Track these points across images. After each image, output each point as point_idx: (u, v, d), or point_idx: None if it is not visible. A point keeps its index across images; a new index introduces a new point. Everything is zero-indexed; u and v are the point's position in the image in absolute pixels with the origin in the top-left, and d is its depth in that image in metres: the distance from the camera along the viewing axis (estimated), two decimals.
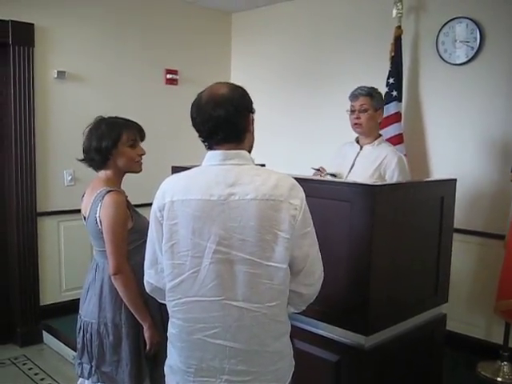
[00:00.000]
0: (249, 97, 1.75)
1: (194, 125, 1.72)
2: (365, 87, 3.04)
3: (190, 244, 1.64)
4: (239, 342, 1.65)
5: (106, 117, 2.36)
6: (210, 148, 1.73)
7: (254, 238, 1.60)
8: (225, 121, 1.65)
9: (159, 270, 1.77)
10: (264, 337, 1.67)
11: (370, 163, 2.96)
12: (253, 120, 1.77)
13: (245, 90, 1.75)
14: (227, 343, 1.65)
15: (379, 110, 3.07)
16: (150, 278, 1.83)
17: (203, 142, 1.74)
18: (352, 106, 3.05)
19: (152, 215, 1.74)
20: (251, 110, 1.74)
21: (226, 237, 1.61)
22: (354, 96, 3.04)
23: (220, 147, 1.70)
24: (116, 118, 2.36)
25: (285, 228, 1.61)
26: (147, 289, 1.87)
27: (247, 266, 1.61)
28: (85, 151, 2.32)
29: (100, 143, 2.25)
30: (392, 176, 2.90)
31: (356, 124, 3.02)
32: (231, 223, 1.61)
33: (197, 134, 1.74)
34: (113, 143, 2.25)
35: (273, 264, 1.62)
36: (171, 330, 1.77)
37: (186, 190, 1.67)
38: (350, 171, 3.03)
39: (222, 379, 1.67)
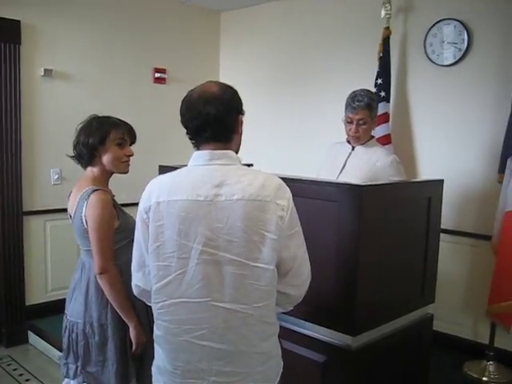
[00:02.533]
0: (239, 98, 1.74)
1: (183, 121, 1.71)
2: (363, 96, 2.93)
3: (175, 245, 1.63)
4: (226, 343, 1.63)
5: (99, 115, 2.35)
6: (196, 147, 1.72)
7: (241, 239, 1.59)
8: (214, 118, 1.64)
9: (147, 273, 1.75)
10: (251, 338, 1.66)
11: (362, 164, 2.94)
12: (242, 122, 1.76)
13: (236, 91, 1.74)
14: (214, 344, 1.63)
15: (375, 118, 3.06)
16: (137, 281, 1.80)
17: (190, 139, 1.73)
18: (349, 117, 2.96)
19: (138, 217, 1.73)
20: (241, 112, 1.74)
21: (212, 238, 1.60)
22: (352, 108, 2.94)
23: (207, 146, 1.69)
24: (109, 117, 2.35)
25: (272, 229, 1.60)
26: (135, 292, 1.85)
27: (234, 266, 1.60)
28: (74, 147, 2.31)
29: (87, 138, 2.24)
30: (388, 178, 2.85)
31: (354, 136, 2.98)
32: (218, 224, 1.60)
33: (185, 133, 1.73)
34: (100, 140, 2.24)
35: (260, 265, 1.61)
36: (156, 331, 1.75)
37: (171, 190, 1.66)
38: (341, 172, 3.00)
39: (209, 380, 1.66)
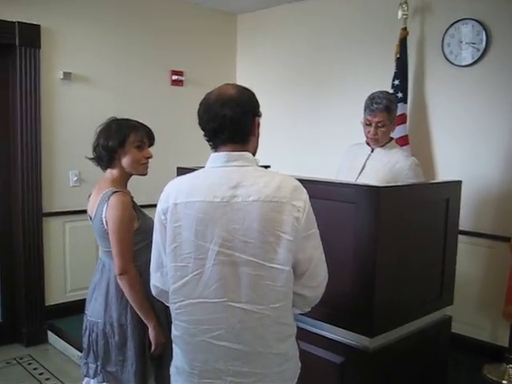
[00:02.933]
0: (256, 100, 1.75)
1: (200, 123, 1.72)
2: (382, 99, 2.92)
3: (192, 246, 1.65)
4: (243, 343, 1.64)
5: (118, 118, 2.38)
6: (214, 148, 1.74)
7: (257, 240, 1.60)
8: (230, 120, 1.65)
9: (165, 273, 1.77)
10: (268, 338, 1.66)
11: (381, 166, 2.93)
12: (259, 124, 1.77)
13: (253, 93, 1.75)
14: (231, 345, 1.65)
15: (394, 120, 3.04)
16: (156, 282, 1.83)
17: (208, 141, 1.74)
18: (368, 120, 2.96)
19: (156, 218, 1.75)
20: (257, 114, 1.75)
21: (228, 239, 1.61)
22: (371, 111, 2.93)
23: (224, 148, 1.70)
24: (128, 119, 2.37)
25: (287, 230, 1.61)
26: (154, 292, 1.87)
27: (250, 267, 1.61)
28: (93, 149, 2.34)
29: (107, 141, 2.27)
30: (407, 180, 2.84)
31: (372, 139, 2.98)
32: (234, 225, 1.61)
33: (202, 137, 1.74)
34: (119, 142, 2.27)
35: (275, 266, 1.62)
36: (174, 332, 1.77)
37: (189, 192, 1.68)
38: (360, 173, 2.99)
39: (226, 381, 1.67)
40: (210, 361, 1.68)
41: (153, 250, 1.82)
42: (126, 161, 2.30)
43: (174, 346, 1.80)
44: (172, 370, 1.83)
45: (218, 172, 1.68)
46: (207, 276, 1.63)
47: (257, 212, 1.60)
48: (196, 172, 1.75)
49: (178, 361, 1.78)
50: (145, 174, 2.39)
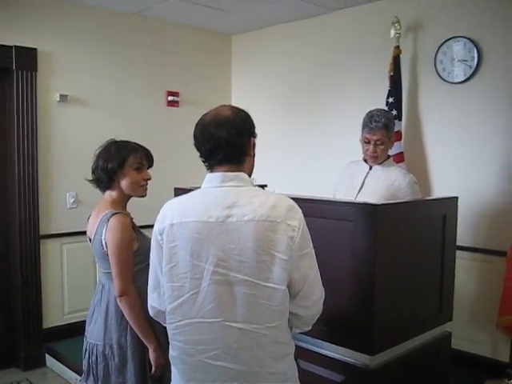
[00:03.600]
0: (251, 121, 1.77)
1: (196, 144, 1.74)
2: (380, 117, 2.94)
3: (188, 266, 1.65)
4: (240, 363, 1.64)
5: (117, 140, 2.39)
6: (210, 169, 1.75)
7: (252, 259, 1.61)
8: (225, 142, 1.67)
9: (162, 294, 1.77)
10: (265, 358, 1.65)
11: (380, 184, 2.94)
12: (254, 144, 1.79)
13: (248, 114, 1.77)
14: (228, 364, 1.64)
15: (392, 138, 3.06)
16: (152, 302, 1.83)
17: (203, 162, 1.75)
18: (367, 138, 2.97)
19: (153, 238, 1.77)
20: (252, 135, 1.77)
21: (224, 258, 1.62)
22: (370, 129, 2.95)
23: (219, 168, 1.71)
24: (127, 141, 2.39)
25: (282, 249, 1.61)
26: (151, 313, 1.87)
27: (245, 287, 1.62)
28: (92, 171, 2.35)
29: (106, 163, 2.28)
30: (404, 198, 2.84)
31: (372, 156, 2.99)
32: (229, 245, 1.62)
33: (198, 158, 1.76)
34: (119, 164, 2.28)
35: (271, 285, 1.62)
36: (172, 352, 1.76)
37: (184, 212, 1.69)
38: (359, 192, 3.00)
39: None
40: (207, 381, 1.68)
41: (150, 270, 1.82)
42: (124, 183, 2.31)
43: (172, 366, 1.80)
44: None
45: (214, 192, 1.69)
46: (203, 296, 1.64)
47: (251, 232, 1.61)
48: (192, 192, 1.76)
49: (176, 381, 1.78)
50: (144, 196, 2.40)
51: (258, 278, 1.61)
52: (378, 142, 2.96)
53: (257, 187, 1.77)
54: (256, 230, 1.60)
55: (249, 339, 1.63)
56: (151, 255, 1.79)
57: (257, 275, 1.61)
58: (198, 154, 1.75)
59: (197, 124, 1.75)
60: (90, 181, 2.38)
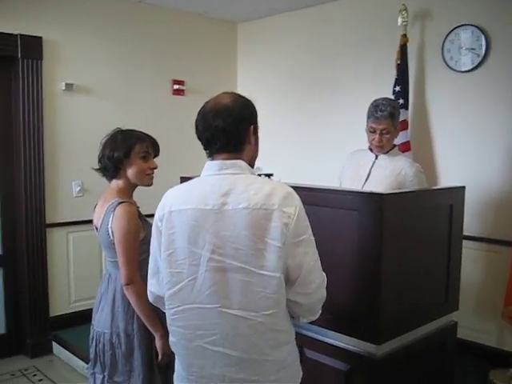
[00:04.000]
0: (252, 108, 1.78)
1: (197, 133, 1.76)
2: (386, 106, 2.92)
3: (186, 252, 1.68)
4: (238, 350, 1.66)
5: (123, 129, 2.39)
6: (210, 156, 1.77)
7: (247, 247, 1.62)
8: (222, 131, 1.68)
9: (161, 279, 1.79)
10: (262, 346, 1.66)
11: (387, 173, 2.93)
12: (255, 132, 1.78)
13: (248, 101, 1.77)
14: (226, 350, 1.66)
15: (398, 126, 3.04)
16: (152, 288, 1.85)
17: (204, 149, 1.78)
18: (372, 127, 2.96)
19: (153, 225, 1.79)
20: (252, 122, 1.76)
21: (220, 245, 1.64)
22: (375, 118, 2.93)
23: (219, 156, 1.73)
24: (133, 130, 2.39)
25: (276, 237, 1.61)
26: (150, 299, 1.89)
27: (241, 274, 1.63)
28: (99, 160, 2.35)
29: (113, 152, 2.28)
30: (410, 187, 2.84)
31: (377, 146, 2.98)
32: (224, 232, 1.63)
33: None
34: (125, 153, 2.28)
35: (265, 273, 1.62)
36: (171, 338, 1.78)
37: (183, 200, 1.72)
38: (365, 181, 2.99)
39: None
40: (206, 366, 1.70)
41: (150, 256, 1.85)
42: (131, 172, 2.31)
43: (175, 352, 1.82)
44: (174, 376, 1.84)
45: (211, 180, 1.71)
46: (200, 282, 1.66)
47: (246, 219, 1.61)
48: (191, 180, 1.78)
49: (177, 367, 1.80)
50: (150, 185, 2.40)
51: (253, 266, 1.62)
52: (384, 132, 2.94)
53: (254, 175, 1.77)
54: (250, 218, 1.61)
55: (245, 326, 1.64)
56: (151, 242, 1.82)
57: (252, 263, 1.62)
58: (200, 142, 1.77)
59: (198, 112, 1.76)
60: (97, 169, 2.38)
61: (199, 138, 1.76)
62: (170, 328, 1.78)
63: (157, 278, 1.81)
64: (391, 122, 2.94)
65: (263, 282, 1.62)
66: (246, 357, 1.66)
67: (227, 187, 1.66)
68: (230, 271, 1.63)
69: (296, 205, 1.66)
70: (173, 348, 1.80)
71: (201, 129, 1.73)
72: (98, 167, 2.37)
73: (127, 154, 2.29)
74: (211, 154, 1.75)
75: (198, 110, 1.77)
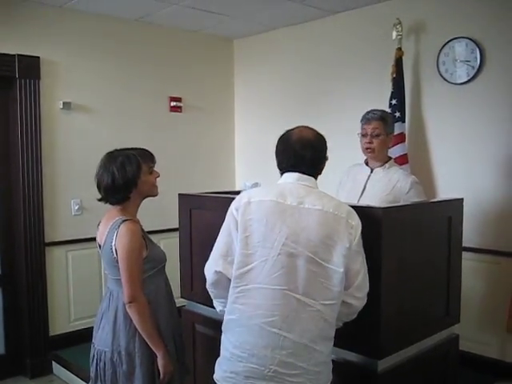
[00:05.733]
0: (326, 144, 2.10)
1: (278, 157, 2.07)
2: (377, 111, 3.03)
3: (262, 235, 1.87)
4: (293, 332, 1.81)
5: (115, 151, 2.37)
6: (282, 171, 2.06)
7: (318, 240, 1.84)
8: (309, 160, 2.00)
9: (229, 261, 1.96)
10: (314, 333, 1.83)
11: (382, 186, 2.95)
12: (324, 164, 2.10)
13: (325, 139, 2.10)
14: (282, 332, 1.81)
15: (390, 135, 3.06)
16: (218, 267, 1.99)
17: (281, 170, 2.06)
18: (364, 129, 3.03)
19: (229, 213, 2.00)
20: (327, 157, 2.10)
21: (294, 233, 1.85)
22: (366, 120, 3.02)
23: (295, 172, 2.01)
24: (125, 150, 2.38)
25: (344, 238, 1.85)
26: (211, 279, 2.03)
27: (309, 263, 1.83)
28: (106, 188, 2.32)
29: (125, 180, 2.28)
30: (408, 200, 2.85)
31: (368, 148, 3.01)
32: (300, 224, 1.86)
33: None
34: (135, 178, 2.30)
35: (331, 266, 1.84)
36: (231, 316, 1.93)
37: (262, 194, 1.97)
38: (361, 195, 3.00)
39: (270, 369, 1.81)
40: (258, 346, 1.83)
41: (219, 240, 2.02)
42: (142, 188, 2.35)
43: (223, 336, 1.96)
44: (218, 360, 1.98)
45: (290, 186, 1.97)
46: (271, 264, 1.84)
47: (320, 218, 1.86)
48: (272, 184, 2.05)
49: (225, 350, 1.94)
50: (156, 195, 2.45)
51: (321, 258, 1.83)
52: (374, 133, 2.98)
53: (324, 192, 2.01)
54: (324, 217, 1.86)
55: (305, 311, 1.82)
56: (225, 226, 2.00)
57: (320, 254, 1.83)
58: (276, 162, 2.08)
59: (280, 138, 2.07)
60: (100, 200, 2.37)
61: (280, 161, 2.06)
62: (231, 306, 1.93)
63: (224, 258, 1.98)
64: (382, 124, 2.99)
65: (328, 274, 1.84)
66: (298, 340, 1.81)
67: (304, 193, 1.93)
68: (299, 258, 1.83)
69: (358, 220, 1.92)
70: (227, 328, 1.94)
71: (286, 155, 2.03)
72: (101, 197, 2.36)
73: (138, 175, 2.31)
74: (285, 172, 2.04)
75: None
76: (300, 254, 1.83)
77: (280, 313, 1.82)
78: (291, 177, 2.00)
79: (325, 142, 2.09)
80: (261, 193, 1.99)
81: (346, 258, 1.85)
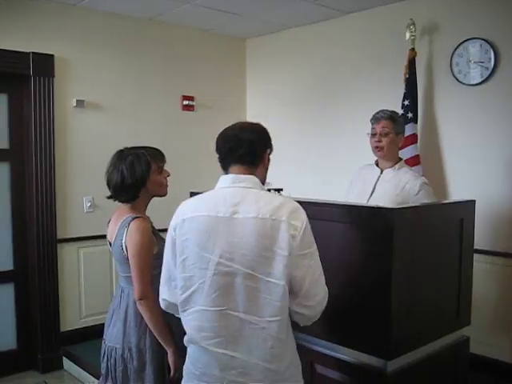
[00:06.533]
0: (269, 134, 1.94)
1: (216, 147, 1.90)
2: (387, 110, 3.02)
3: (197, 257, 1.76)
4: (240, 351, 1.73)
5: (125, 150, 2.38)
6: (224, 170, 1.88)
7: (255, 254, 1.70)
8: (247, 141, 1.83)
9: (173, 287, 1.87)
10: (264, 352, 1.72)
11: (392, 187, 2.93)
12: (269, 158, 1.93)
13: (266, 129, 1.94)
14: (229, 352, 1.73)
15: (400, 135, 3.05)
16: (163, 295, 1.92)
17: (220, 162, 1.89)
18: (373, 128, 3.03)
19: (168, 234, 1.88)
20: (269, 146, 1.93)
21: (229, 251, 1.72)
22: (375, 119, 3.03)
23: (233, 170, 1.85)
24: (135, 148, 2.39)
25: (283, 246, 1.69)
26: (163, 306, 1.96)
27: (248, 280, 1.71)
28: (115, 187, 2.33)
29: (134, 179, 2.29)
30: (418, 201, 2.83)
31: (377, 147, 3.00)
32: (234, 238, 1.72)
33: (214, 160, 1.89)
34: (145, 175, 2.31)
35: (272, 280, 1.70)
36: (185, 337, 1.86)
37: (195, 208, 1.82)
38: (371, 196, 2.99)
39: None
40: (210, 366, 1.77)
41: (163, 265, 1.92)
42: (152, 188, 2.36)
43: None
44: (183, 370, 1.91)
45: (224, 191, 1.81)
46: (208, 285, 1.74)
47: (255, 228, 1.70)
48: (206, 192, 1.89)
49: (186, 362, 1.88)
50: (165, 195, 2.46)
51: (260, 273, 1.70)
52: (383, 132, 2.97)
53: (265, 191, 1.86)
54: (259, 227, 1.70)
55: (249, 329, 1.72)
56: (165, 250, 1.89)
57: (259, 269, 1.70)
58: (217, 156, 1.90)
59: (219, 135, 1.91)
60: (110, 197, 2.38)
61: (218, 150, 1.89)
62: (185, 327, 1.85)
63: (168, 285, 1.89)
64: (391, 123, 2.98)
65: (269, 289, 1.70)
66: (247, 359, 1.73)
67: (239, 198, 1.76)
68: (237, 276, 1.71)
69: (303, 219, 1.75)
70: (186, 345, 1.87)
71: (222, 141, 1.88)
72: (110, 194, 2.37)
73: (147, 174, 2.32)
74: (226, 167, 1.87)
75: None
76: (237, 272, 1.70)
77: (224, 333, 1.73)
78: (226, 180, 1.84)
79: (266, 131, 1.93)
80: (193, 207, 1.83)
81: (287, 268, 1.69)
